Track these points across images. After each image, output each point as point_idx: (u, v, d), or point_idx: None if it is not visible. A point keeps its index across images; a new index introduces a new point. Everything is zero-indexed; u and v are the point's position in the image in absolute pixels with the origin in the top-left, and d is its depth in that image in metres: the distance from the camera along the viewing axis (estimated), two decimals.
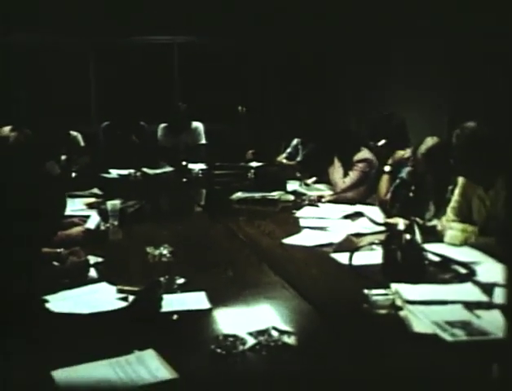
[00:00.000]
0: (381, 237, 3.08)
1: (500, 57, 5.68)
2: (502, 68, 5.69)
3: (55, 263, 2.82)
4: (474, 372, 1.83)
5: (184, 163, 6.07)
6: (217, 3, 6.98)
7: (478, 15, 5.64)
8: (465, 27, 5.86)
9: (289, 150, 6.22)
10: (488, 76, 5.81)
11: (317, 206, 4.37)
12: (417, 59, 6.60)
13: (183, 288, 2.58)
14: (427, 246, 2.89)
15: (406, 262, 2.75)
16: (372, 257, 2.94)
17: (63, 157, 5.33)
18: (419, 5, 6.30)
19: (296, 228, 3.70)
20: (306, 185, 5.02)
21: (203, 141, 6.71)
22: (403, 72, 6.88)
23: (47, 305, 2.40)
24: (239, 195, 4.69)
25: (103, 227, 3.50)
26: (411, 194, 3.95)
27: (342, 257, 2.99)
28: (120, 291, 2.53)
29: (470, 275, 2.73)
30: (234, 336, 2.10)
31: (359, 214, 3.97)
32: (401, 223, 2.99)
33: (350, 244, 3.17)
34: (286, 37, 7.61)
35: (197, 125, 6.75)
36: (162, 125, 6.80)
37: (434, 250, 2.92)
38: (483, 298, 2.46)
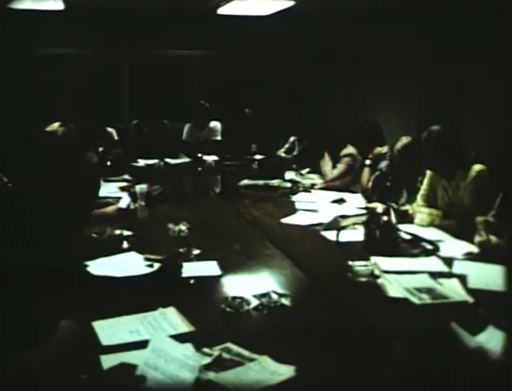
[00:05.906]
0: (363, 218, 3.07)
1: (456, 71, 5.69)
2: (458, 82, 5.69)
3: (94, 235, 2.84)
4: (436, 328, 1.84)
5: (200, 155, 6.07)
6: (228, 27, 6.99)
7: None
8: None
9: (287, 145, 6.20)
10: (448, 86, 5.83)
11: (310, 192, 4.36)
12: (392, 73, 6.64)
13: (199, 258, 2.60)
14: (400, 226, 2.90)
15: (383, 239, 2.77)
16: (355, 234, 2.95)
17: (100, 149, 5.34)
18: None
19: (292, 210, 3.69)
20: (301, 174, 5.00)
21: (219, 138, 6.68)
22: (382, 85, 6.90)
23: (88, 269, 2.42)
24: (245, 182, 4.66)
25: (132, 207, 3.48)
26: (388, 183, 3.94)
27: (331, 235, 3.00)
28: (146, 259, 2.54)
29: (434, 250, 2.74)
30: (240, 297, 2.12)
31: (344, 199, 3.97)
32: (379, 207, 3.00)
33: (337, 224, 3.16)
34: (286, 52, 7.59)
35: (216, 124, 6.72)
36: (188, 124, 6.76)
37: (406, 229, 2.93)
38: (445, 269, 2.48)
